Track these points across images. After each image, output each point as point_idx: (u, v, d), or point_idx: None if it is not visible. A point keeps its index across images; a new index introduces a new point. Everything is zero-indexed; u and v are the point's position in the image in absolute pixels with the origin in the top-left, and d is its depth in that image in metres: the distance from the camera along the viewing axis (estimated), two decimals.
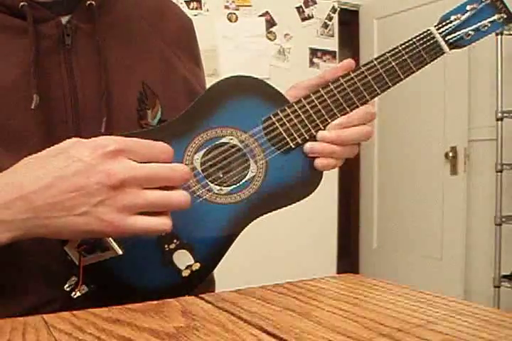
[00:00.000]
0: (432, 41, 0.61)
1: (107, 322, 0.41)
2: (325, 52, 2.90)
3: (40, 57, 0.56)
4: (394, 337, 0.36)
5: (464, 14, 0.61)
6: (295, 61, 2.80)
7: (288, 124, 0.58)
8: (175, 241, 0.54)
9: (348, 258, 3.52)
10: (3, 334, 0.38)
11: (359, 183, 3.51)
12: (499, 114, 2.54)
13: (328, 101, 0.58)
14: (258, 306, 0.45)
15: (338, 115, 0.59)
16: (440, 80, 2.87)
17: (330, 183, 2.86)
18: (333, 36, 2.93)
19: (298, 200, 0.58)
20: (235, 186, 0.57)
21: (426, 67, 0.61)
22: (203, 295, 0.49)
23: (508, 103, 2.56)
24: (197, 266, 0.55)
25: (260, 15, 2.72)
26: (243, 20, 2.68)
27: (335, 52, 2.93)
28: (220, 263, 0.58)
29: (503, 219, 2.54)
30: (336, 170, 2.59)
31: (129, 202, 0.45)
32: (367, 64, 0.60)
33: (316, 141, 0.58)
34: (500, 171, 2.55)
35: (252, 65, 2.67)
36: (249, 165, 0.57)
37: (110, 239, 0.49)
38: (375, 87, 0.60)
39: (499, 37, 2.50)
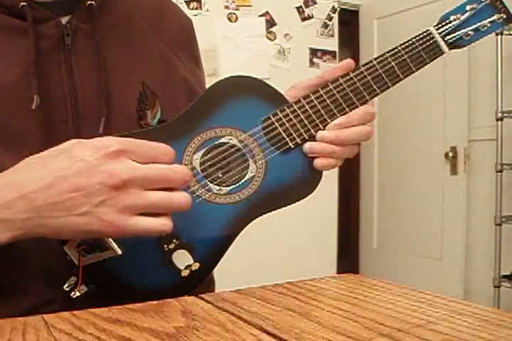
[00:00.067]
0: (431, 41, 0.61)
1: (107, 322, 0.41)
2: (325, 52, 2.90)
3: (40, 57, 0.56)
4: (394, 337, 0.36)
5: (463, 14, 0.61)
6: (295, 61, 2.80)
7: (287, 124, 0.58)
8: (174, 241, 0.54)
9: (348, 258, 3.52)
10: (3, 334, 0.38)
11: (359, 183, 3.51)
12: (499, 114, 2.55)
13: (328, 101, 0.58)
14: (258, 306, 0.45)
15: (338, 115, 0.59)
16: (440, 80, 2.88)
17: (330, 183, 2.86)
18: (333, 36, 2.93)
19: (298, 200, 0.58)
20: (234, 186, 0.57)
21: (425, 67, 0.61)
22: (203, 295, 0.49)
23: (508, 103, 2.56)
24: (196, 266, 0.55)
25: (260, 15, 2.72)
26: (243, 20, 2.68)
27: (335, 52, 2.93)
28: (220, 263, 0.58)
29: (503, 219, 2.55)
30: (336, 170, 2.59)
31: (131, 202, 0.45)
32: (366, 64, 0.60)
33: (315, 141, 0.58)
34: (500, 171, 2.55)
35: (252, 65, 2.67)
36: (248, 165, 0.57)
37: (110, 239, 0.50)
38: (375, 87, 0.60)
39: (499, 37, 2.50)
